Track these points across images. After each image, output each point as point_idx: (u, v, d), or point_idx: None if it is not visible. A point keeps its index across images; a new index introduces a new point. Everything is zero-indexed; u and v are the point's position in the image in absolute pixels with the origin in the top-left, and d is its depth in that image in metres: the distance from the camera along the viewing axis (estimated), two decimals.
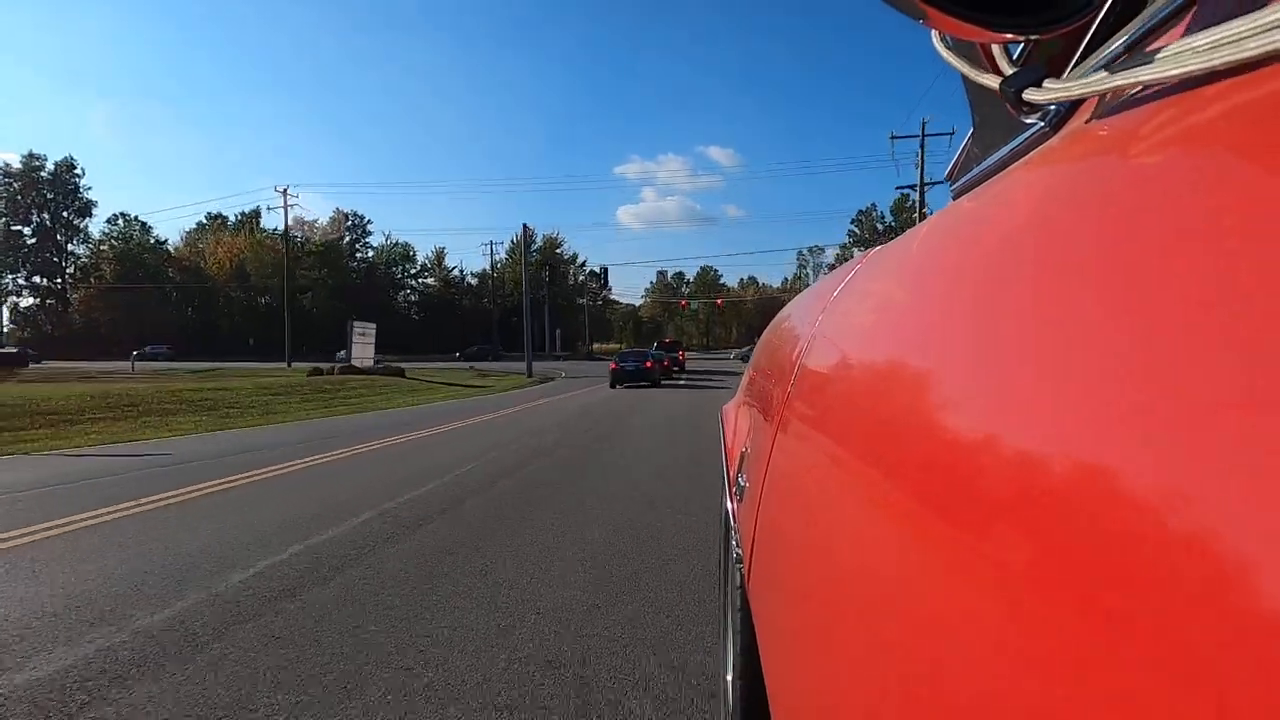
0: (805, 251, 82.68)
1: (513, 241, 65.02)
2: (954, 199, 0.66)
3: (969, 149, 0.63)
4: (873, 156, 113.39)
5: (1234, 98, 0.22)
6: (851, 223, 71.98)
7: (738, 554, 0.80)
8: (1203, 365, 0.17)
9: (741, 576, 0.77)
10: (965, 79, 0.47)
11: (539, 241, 69.80)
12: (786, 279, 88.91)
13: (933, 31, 0.44)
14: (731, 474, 1.02)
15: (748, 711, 0.75)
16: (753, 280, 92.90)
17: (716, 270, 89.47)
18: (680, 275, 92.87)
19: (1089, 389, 0.21)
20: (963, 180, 0.64)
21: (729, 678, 0.93)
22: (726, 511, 1.00)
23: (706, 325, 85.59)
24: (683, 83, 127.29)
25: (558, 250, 75.49)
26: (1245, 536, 0.13)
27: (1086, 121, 0.36)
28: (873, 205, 72.29)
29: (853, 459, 0.41)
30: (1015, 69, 0.40)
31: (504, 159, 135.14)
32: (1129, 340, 0.20)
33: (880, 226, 70.24)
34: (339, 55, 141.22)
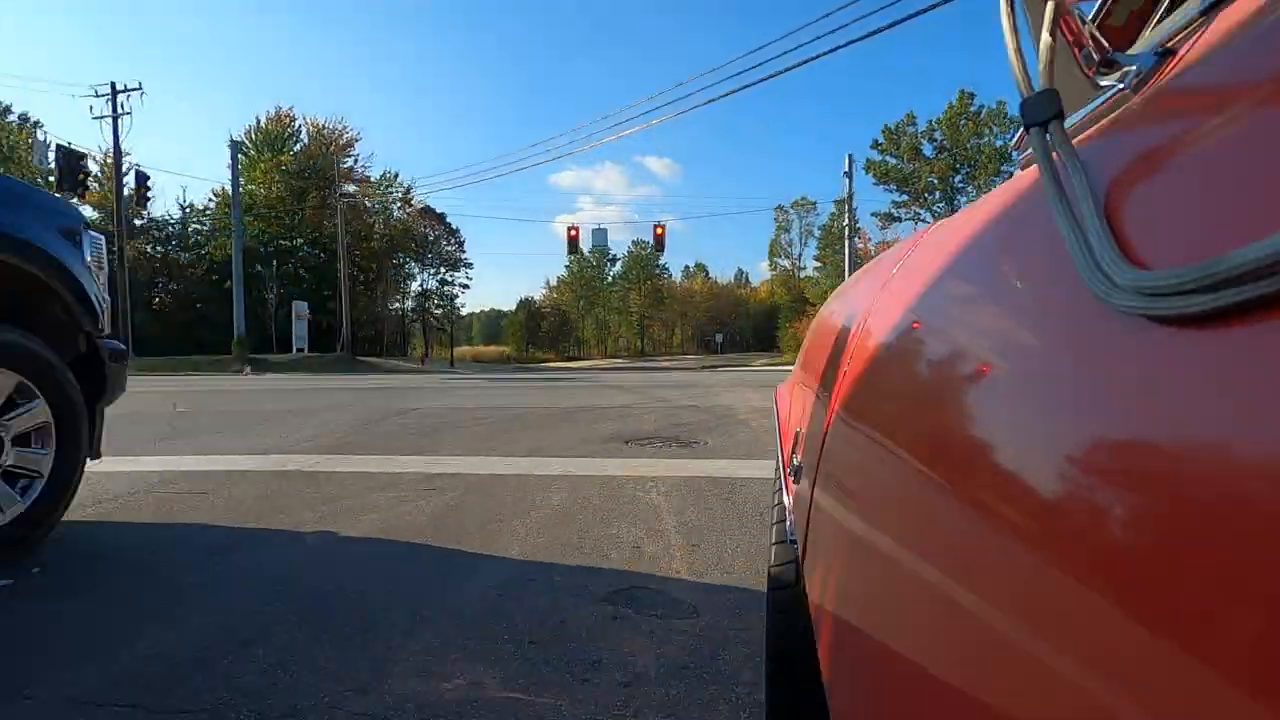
0: (789, 208, 56.33)
1: (245, 137, 36.85)
2: (1021, 170, 0.65)
3: None
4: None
5: None
6: (874, 147, 40.62)
7: (791, 537, 0.81)
8: None
9: (796, 559, 0.77)
10: (1034, 42, 0.45)
11: (302, 135, 38.65)
12: (741, 270, 74.53)
13: None
14: (785, 455, 1.02)
15: (799, 696, 0.72)
16: (701, 268, 71.92)
17: (647, 244, 58.43)
18: (603, 249, 63.16)
19: (1177, 374, 0.19)
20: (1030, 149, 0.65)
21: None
22: (780, 493, 1.01)
23: (640, 322, 64.64)
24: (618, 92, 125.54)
25: (346, 159, 38.57)
26: None
27: (1170, 82, 0.34)
28: (910, 116, 40.54)
29: (911, 442, 0.40)
30: (1040, 89, 0.37)
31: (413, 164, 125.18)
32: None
33: (931, 145, 39.58)
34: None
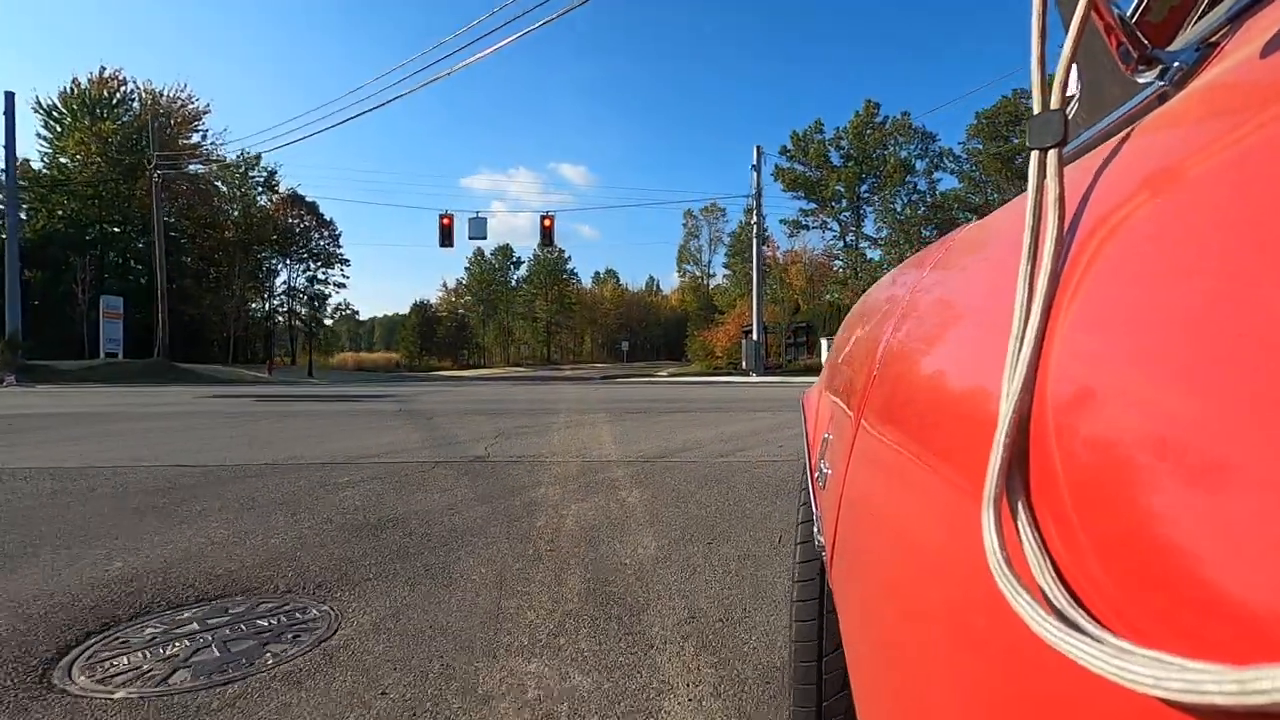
0: (698, 213, 54.41)
1: (58, 101, 31.81)
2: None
3: (1075, 112, 0.60)
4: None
5: None
6: (783, 153, 38.83)
7: (819, 542, 0.80)
8: None
9: (823, 566, 0.79)
10: (1068, 37, 0.43)
11: (134, 102, 33.46)
12: (653, 277, 73.28)
13: None
14: (813, 460, 1.01)
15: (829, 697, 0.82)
16: (612, 274, 69.17)
17: (562, 253, 59.04)
18: (506, 251, 59.44)
19: (1225, 376, 0.18)
20: (1069, 147, 0.61)
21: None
22: (808, 499, 1.00)
23: (547, 330, 60.12)
24: (534, 96, 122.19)
25: (191, 134, 34.51)
26: None
27: (1214, 78, 0.33)
28: (818, 123, 39.35)
29: (939, 447, 0.40)
30: (1054, 108, 0.35)
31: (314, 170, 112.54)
32: (1257, 318, 0.18)
33: (838, 153, 38.93)
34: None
